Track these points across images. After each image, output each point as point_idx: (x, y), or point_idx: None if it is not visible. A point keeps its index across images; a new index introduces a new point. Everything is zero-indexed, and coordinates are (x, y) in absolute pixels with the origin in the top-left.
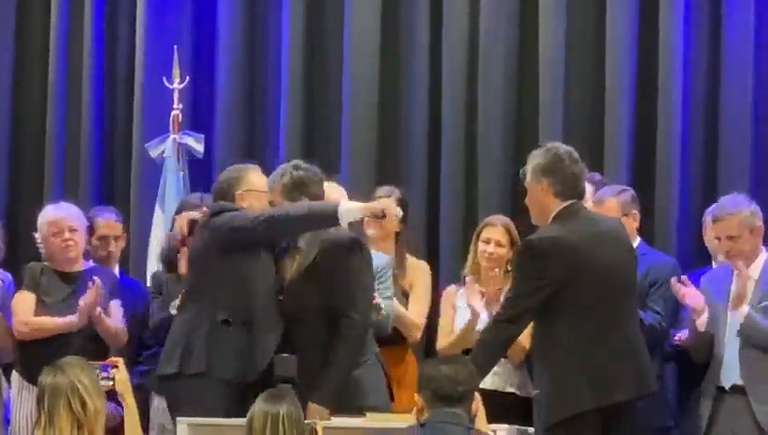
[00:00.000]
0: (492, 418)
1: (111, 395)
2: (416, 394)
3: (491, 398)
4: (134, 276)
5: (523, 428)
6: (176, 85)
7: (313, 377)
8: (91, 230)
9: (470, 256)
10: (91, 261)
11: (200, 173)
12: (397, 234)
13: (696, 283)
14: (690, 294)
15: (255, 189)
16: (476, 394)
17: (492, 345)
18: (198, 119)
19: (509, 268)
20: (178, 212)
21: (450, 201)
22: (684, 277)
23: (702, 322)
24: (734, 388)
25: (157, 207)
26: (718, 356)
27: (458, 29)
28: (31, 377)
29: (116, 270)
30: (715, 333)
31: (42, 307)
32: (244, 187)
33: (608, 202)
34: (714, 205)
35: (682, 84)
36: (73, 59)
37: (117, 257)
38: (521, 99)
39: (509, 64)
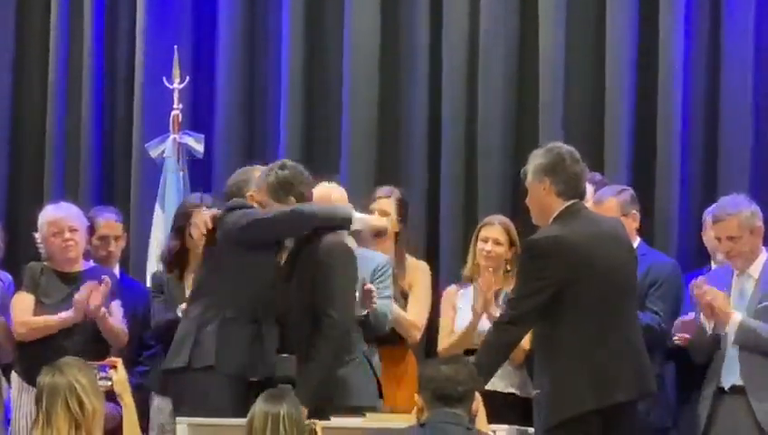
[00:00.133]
0: (492, 418)
1: (111, 395)
2: (416, 394)
3: (491, 398)
4: (134, 276)
5: (522, 428)
6: (176, 85)
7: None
8: (91, 230)
9: (470, 257)
10: (91, 261)
11: (200, 173)
12: (396, 234)
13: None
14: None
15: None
16: (477, 394)
17: (496, 348)
18: (198, 119)
19: (508, 268)
20: (180, 212)
21: (450, 201)
22: (701, 279)
23: (711, 326)
24: (734, 388)
25: (157, 207)
26: (718, 357)
27: (458, 29)
28: (30, 378)
29: (116, 270)
30: (718, 335)
31: (41, 308)
32: (253, 187)
33: (607, 202)
34: (713, 205)
35: (682, 84)
36: (73, 59)
37: (117, 257)
38: (521, 99)
39: (509, 64)
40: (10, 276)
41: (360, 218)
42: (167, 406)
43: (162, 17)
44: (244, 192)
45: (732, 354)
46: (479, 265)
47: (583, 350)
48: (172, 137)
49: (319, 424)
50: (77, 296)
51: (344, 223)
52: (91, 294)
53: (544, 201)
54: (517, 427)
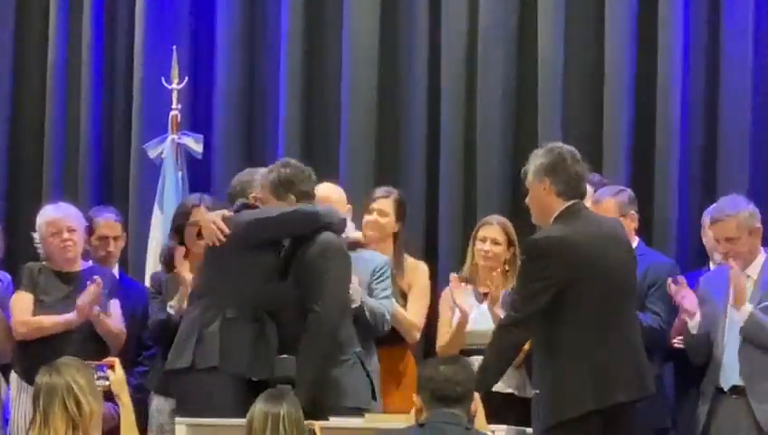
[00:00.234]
0: (490, 418)
1: (109, 395)
2: (414, 394)
3: (490, 398)
4: (133, 277)
5: (521, 428)
6: (174, 85)
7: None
8: (90, 230)
9: (468, 257)
10: (90, 261)
11: (199, 173)
12: (395, 234)
13: (694, 283)
14: (687, 296)
15: None
16: (475, 395)
17: (501, 350)
18: (197, 119)
19: (507, 268)
20: (179, 212)
21: (449, 201)
22: (681, 278)
23: (694, 324)
24: (733, 389)
25: (155, 208)
26: (717, 357)
27: (457, 29)
28: (29, 378)
29: (115, 270)
30: (714, 333)
31: (40, 307)
32: (257, 188)
33: (605, 202)
34: (712, 206)
35: (681, 85)
36: (72, 59)
37: (116, 257)
38: (519, 99)
39: (508, 64)
40: (9, 276)
41: (351, 228)
42: (166, 406)
43: (161, 17)
44: (248, 193)
45: (731, 355)
46: (477, 265)
47: (584, 350)
48: (171, 137)
49: (317, 424)
50: (80, 300)
51: (342, 225)
52: (95, 299)
53: (545, 201)
54: (516, 427)
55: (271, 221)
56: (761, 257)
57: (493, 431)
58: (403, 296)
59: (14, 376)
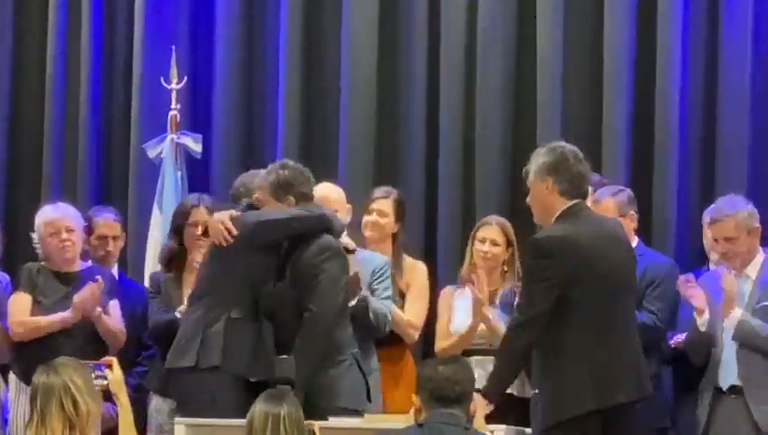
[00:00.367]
0: (489, 418)
1: (108, 395)
2: (413, 395)
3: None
4: (132, 277)
5: (520, 428)
6: (173, 85)
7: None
8: (89, 230)
9: (467, 258)
10: (90, 261)
11: (198, 173)
12: (394, 235)
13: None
14: (697, 295)
15: None
16: (475, 395)
17: (512, 354)
18: (196, 119)
19: (505, 269)
20: (178, 212)
21: (448, 201)
22: (690, 276)
23: (703, 321)
24: (732, 389)
25: (155, 208)
26: (716, 357)
27: (456, 28)
28: (28, 378)
29: (115, 270)
30: (713, 334)
31: (38, 308)
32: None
33: (605, 202)
34: (711, 206)
35: (680, 84)
36: (71, 59)
37: (116, 257)
38: (519, 98)
39: (507, 64)
40: (8, 277)
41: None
42: (165, 406)
43: (160, 18)
44: (250, 194)
45: (729, 355)
46: (476, 266)
47: (584, 350)
48: (170, 137)
49: (317, 425)
50: (76, 298)
51: (341, 230)
52: (96, 299)
53: (547, 200)
54: (515, 427)
55: (279, 223)
56: (759, 257)
57: (492, 431)
58: (402, 296)
59: (12, 377)
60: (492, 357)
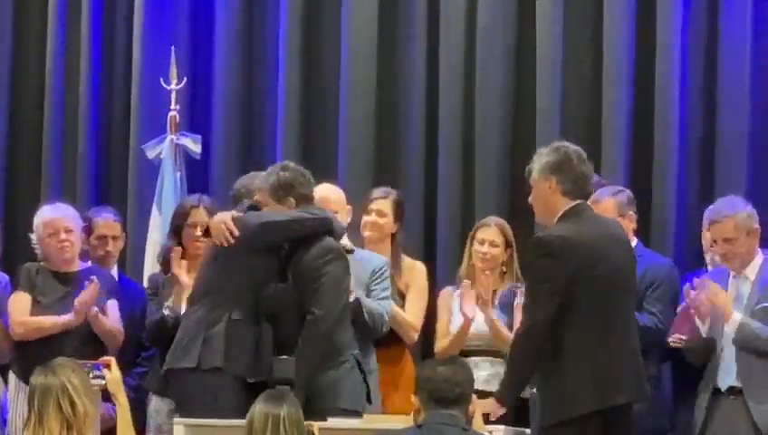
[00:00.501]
0: (488, 419)
1: (107, 395)
2: (412, 395)
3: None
4: (131, 277)
5: (519, 429)
6: (173, 86)
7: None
8: (89, 230)
9: (465, 258)
10: (89, 262)
11: (198, 174)
12: (393, 235)
13: (692, 284)
14: (703, 302)
15: None
16: (473, 396)
17: (522, 358)
18: (195, 120)
19: (504, 270)
20: (177, 212)
21: (447, 202)
22: (698, 281)
23: (705, 329)
24: (731, 389)
25: (154, 209)
26: (715, 358)
27: (456, 28)
28: (27, 378)
29: (114, 270)
30: (715, 337)
31: (38, 308)
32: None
33: (604, 202)
34: (710, 207)
35: (679, 84)
36: (70, 60)
37: (115, 258)
38: (518, 99)
39: (506, 63)
40: (7, 277)
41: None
42: (164, 407)
43: (159, 18)
44: (252, 195)
45: (729, 355)
46: (474, 266)
47: (585, 350)
48: (169, 138)
49: (316, 425)
50: (77, 301)
51: (342, 233)
52: (92, 299)
53: (550, 200)
54: (513, 428)
55: (280, 225)
56: (759, 258)
57: (490, 432)
58: (401, 297)
59: (12, 376)
60: (491, 358)
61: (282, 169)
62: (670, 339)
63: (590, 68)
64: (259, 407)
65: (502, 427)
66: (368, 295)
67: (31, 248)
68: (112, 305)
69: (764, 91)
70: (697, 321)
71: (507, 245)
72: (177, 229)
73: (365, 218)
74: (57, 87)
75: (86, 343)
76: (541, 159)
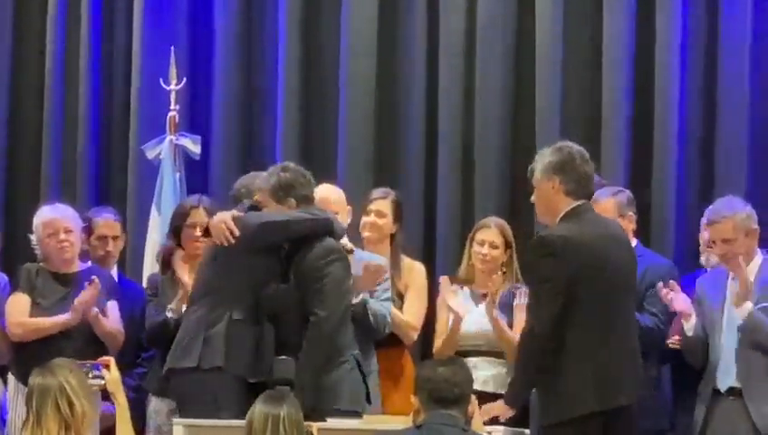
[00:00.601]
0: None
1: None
2: (412, 396)
3: (487, 400)
4: (130, 278)
5: (518, 430)
6: (172, 87)
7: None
8: (89, 230)
9: (465, 259)
10: (89, 262)
11: (197, 174)
12: (392, 235)
13: (691, 285)
14: (678, 299)
15: None
16: (472, 396)
17: (527, 359)
18: (195, 120)
19: (504, 270)
20: (177, 213)
21: (447, 202)
22: (672, 282)
23: (690, 326)
24: (730, 390)
25: (153, 209)
26: (714, 359)
27: (455, 29)
28: (26, 379)
29: (114, 271)
30: (711, 335)
31: (37, 309)
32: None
33: (604, 202)
34: (709, 207)
35: (679, 84)
36: (70, 61)
37: (115, 258)
38: (517, 99)
39: (506, 64)
40: (6, 277)
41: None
42: (163, 407)
43: (159, 18)
44: (252, 195)
45: (728, 356)
46: (474, 267)
47: (586, 350)
48: (169, 138)
49: (315, 426)
50: (77, 300)
51: (342, 233)
52: (93, 299)
53: (552, 200)
54: (513, 429)
55: (280, 225)
56: (757, 259)
57: (489, 433)
58: (400, 297)
59: (11, 377)
60: (490, 358)
61: (282, 170)
62: (669, 341)
63: (590, 68)
64: (259, 407)
65: (501, 427)
66: (371, 296)
67: (30, 249)
68: (112, 306)
69: (764, 91)
70: (682, 320)
71: (507, 245)
72: (177, 230)
73: (364, 219)
74: (57, 87)
75: (86, 343)
76: (544, 158)
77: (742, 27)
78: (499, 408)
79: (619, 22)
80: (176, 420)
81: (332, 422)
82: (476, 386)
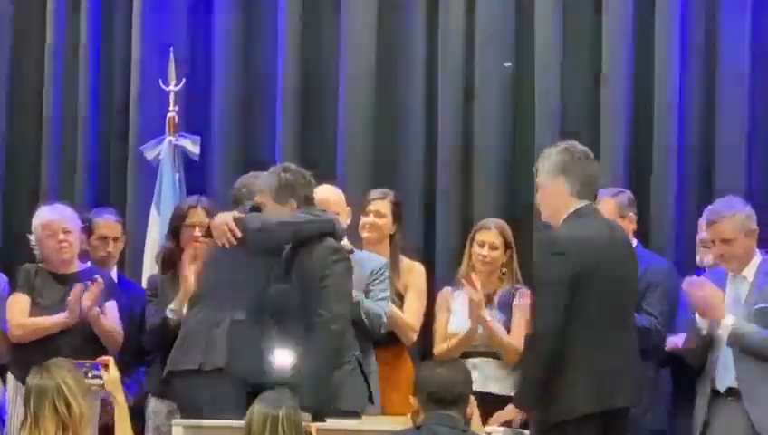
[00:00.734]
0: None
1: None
2: (411, 396)
3: (486, 400)
4: (129, 278)
5: (518, 430)
6: (171, 87)
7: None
8: (89, 231)
9: (465, 260)
10: (89, 262)
11: (196, 175)
12: (391, 236)
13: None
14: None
15: None
16: (471, 397)
17: (535, 360)
18: (194, 121)
19: (503, 271)
20: (176, 213)
21: (446, 203)
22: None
23: (705, 326)
24: (729, 391)
25: (152, 210)
26: (713, 359)
27: (455, 31)
28: (25, 379)
29: (114, 271)
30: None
31: (37, 309)
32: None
33: (604, 203)
34: (708, 207)
35: (678, 84)
36: (69, 61)
37: (116, 258)
38: (517, 100)
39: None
40: (6, 278)
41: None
42: (163, 408)
43: (158, 19)
44: (252, 196)
45: (726, 357)
46: (473, 268)
47: (587, 352)
48: (168, 139)
49: (314, 426)
50: (69, 298)
51: (342, 234)
52: (82, 295)
53: (557, 200)
54: (512, 429)
55: (281, 226)
56: (757, 259)
57: (489, 433)
58: (399, 298)
59: (10, 377)
60: (489, 358)
61: (283, 171)
62: (668, 347)
63: (590, 69)
64: (258, 408)
65: (501, 428)
66: (366, 296)
67: (30, 249)
68: (111, 307)
69: (764, 91)
70: (697, 318)
71: (507, 246)
72: (176, 230)
73: (363, 219)
74: (56, 89)
75: (85, 343)
76: (549, 158)
77: (742, 27)
78: (509, 412)
79: (620, 22)
80: (175, 420)
81: (331, 423)
82: (476, 387)
